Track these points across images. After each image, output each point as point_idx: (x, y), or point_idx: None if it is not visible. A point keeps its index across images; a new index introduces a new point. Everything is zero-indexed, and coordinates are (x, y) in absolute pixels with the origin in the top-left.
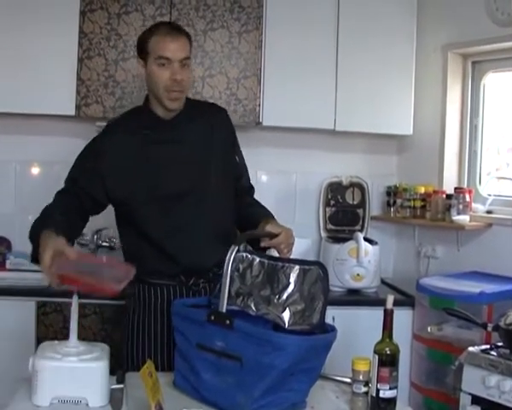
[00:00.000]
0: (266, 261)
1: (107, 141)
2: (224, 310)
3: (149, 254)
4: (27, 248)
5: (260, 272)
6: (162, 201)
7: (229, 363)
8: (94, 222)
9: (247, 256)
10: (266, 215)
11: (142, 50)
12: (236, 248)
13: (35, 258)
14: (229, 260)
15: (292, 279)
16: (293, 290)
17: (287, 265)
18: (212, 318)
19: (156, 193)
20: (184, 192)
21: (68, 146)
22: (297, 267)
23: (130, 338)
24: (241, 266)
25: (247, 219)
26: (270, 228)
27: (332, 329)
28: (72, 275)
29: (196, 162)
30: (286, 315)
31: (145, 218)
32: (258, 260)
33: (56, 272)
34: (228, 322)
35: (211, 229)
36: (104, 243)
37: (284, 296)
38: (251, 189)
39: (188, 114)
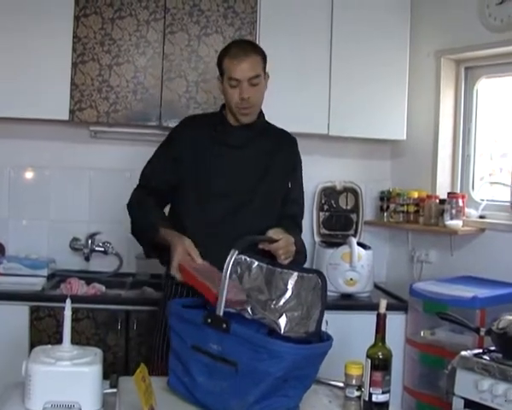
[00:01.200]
0: (265, 266)
1: (179, 130)
2: (222, 313)
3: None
4: (21, 252)
5: (258, 276)
6: (206, 198)
7: (225, 367)
8: (87, 227)
9: (245, 259)
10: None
11: (219, 69)
12: (236, 252)
13: (149, 251)
14: (229, 263)
15: (290, 286)
16: (290, 297)
17: (285, 271)
18: (209, 320)
19: (203, 189)
20: (228, 194)
21: (62, 150)
22: (295, 274)
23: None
24: (239, 269)
25: None
26: (271, 233)
27: (328, 337)
28: (193, 273)
29: (251, 172)
30: (282, 321)
31: (186, 210)
32: (256, 263)
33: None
34: (224, 326)
35: (238, 236)
36: (98, 248)
37: (281, 302)
38: (295, 217)
39: (259, 130)
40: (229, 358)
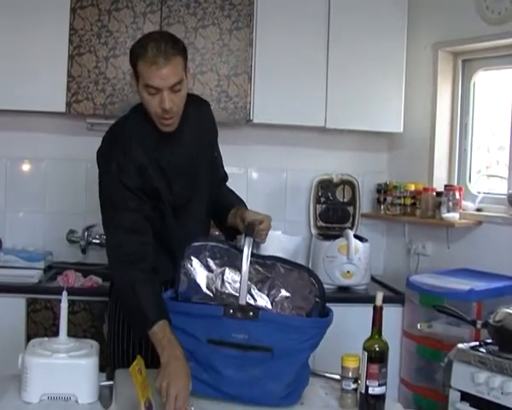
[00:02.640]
0: (228, 248)
1: (121, 154)
2: (244, 302)
3: (161, 261)
4: (17, 244)
5: (224, 259)
6: (175, 209)
7: (257, 354)
8: (84, 219)
9: (207, 245)
10: (238, 202)
11: (134, 68)
12: (252, 240)
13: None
14: (248, 251)
15: (270, 270)
16: (274, 282)
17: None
18: (231, 311)
19: (171, 202)
20: (188, 200)
21: (59, 143)
22: (272, 262)
23: (116, 334)
24: (206, 254)
25: (220, 205)
26: (252, 216)
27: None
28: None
29: (194, 167)
30: (273, 305)
31: (165, 225)
32: (222, 247)
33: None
34: (251, 314)
35: (203, 229)
36: (95, 240)
37: (265, 288)
38: (225, 176)
39: (183, 118)
40: (260, 344)
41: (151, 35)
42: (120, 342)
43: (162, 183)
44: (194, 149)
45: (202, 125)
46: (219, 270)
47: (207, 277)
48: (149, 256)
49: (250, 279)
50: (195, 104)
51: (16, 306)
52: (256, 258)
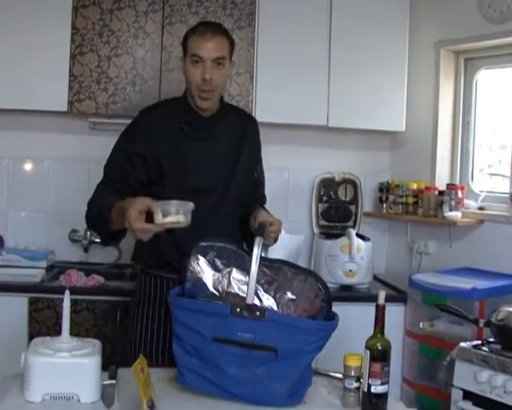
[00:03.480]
0: (236, 249)
1: (144, 121)
2: (252, 302)
3: (163, 242)
4: (20, 244)
5: (230, 259)
6: (186, 194)
7: (261, 354)
8: None
9: (215, 245)
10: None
11: (183, 48)
12: (262, 239)
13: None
14: (258, 251)
15: (275, 275)
16: (280, 284)
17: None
18: (238, 310)
19: (182, 186)
20: (208, 189)
21: (61, 142)
22: (279, 265)
23: (134, 330)
24: (211, 254)
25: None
26: (264, 217)
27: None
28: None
29: (224, 163)
30: (279, 307)
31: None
32: (230, 247)
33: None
34: (258, 313)
35: (222, 229)
36: (97, 240)
37: (272, 290)
38: (262, 198)
39: (224, 115)
40: (265, 344)
41: (204, 21)
42: (140, 340)
43: (173, 161)
44: (227, 150)
45: (245, 136)
46: (226, 270)
47: (214, 276)
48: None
49: (257, 281)
50: (240, 115)
51: (18, 305)
52: (263, 260)
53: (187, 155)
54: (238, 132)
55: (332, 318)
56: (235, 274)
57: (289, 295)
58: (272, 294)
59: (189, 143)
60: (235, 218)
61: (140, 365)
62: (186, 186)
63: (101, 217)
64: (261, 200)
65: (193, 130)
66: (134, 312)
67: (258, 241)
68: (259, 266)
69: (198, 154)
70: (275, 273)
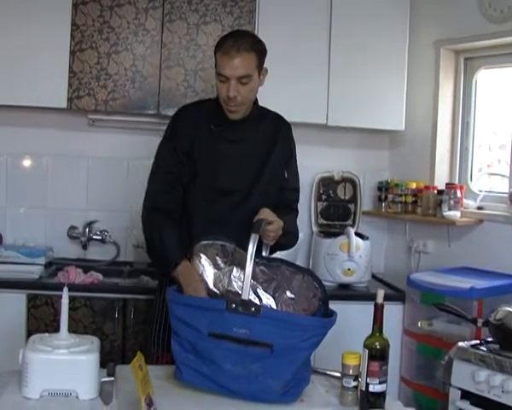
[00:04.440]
0: (234, 248)
1: (180, 123)
2: (247, 297)
3: (187, 238)
4: (18, 240)
5: (230, 258)
6: (212, 193)
7: (257, 350)
8: (85, 215)
9: (216, 244)
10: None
11: (215, 59)
12: (258, 236)
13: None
14: (253, 248)
15: (273, 273)
16: (279, 284)
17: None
18: (234, 306)
19: (209, 184)
20: (232, 190)
21: (60, 139)
22: (282, 266)
23: (153, 327)
24: (213, 252)
25: None
26: (263, 215)
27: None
28: None
29: (251, 165)
30: (278, 305)
31: (193, 203)
32: (228, 246)
33: None
34: (253, 309)
35: (245, 230)
36: (95, 237)
37: (270, 289)
38: (292, 203)
39: (255, 119)
40: (260, 340)
41: (236, 31)
42: (158, 336)
43: (203, 159)
44: (255, 153)
45: (275, 141)
46: (227, 268)
47: (215, 274)
48: (177, 213)
49: (256, 279)
50: (274, 120)
51: (17, 301)
52: (261, 259)
53: (217, 156)
54: (268, 136)
55: (331, 314)
56: (236, 273)
57: (288, 294)
58: (271, 293)
59: (219, 144)
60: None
61: (138, 362)
62: (214, 186)
63: (164, 266)
64: (292, 204)
65: (222, 131)
66: (154, 309)
67: (253, 238)
68: (258, 265)
69: (226, 155)
70: (273, 272)
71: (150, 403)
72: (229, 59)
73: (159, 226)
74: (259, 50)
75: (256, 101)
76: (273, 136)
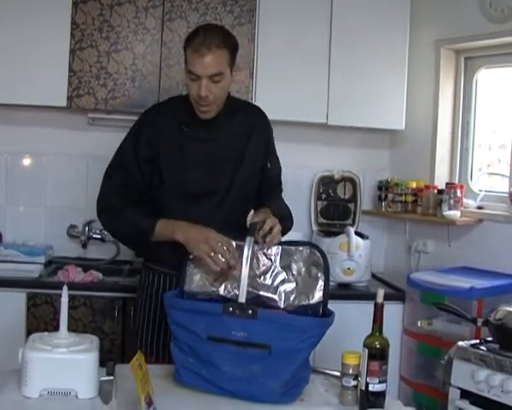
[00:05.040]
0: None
1: (146, 126)
2: (244, 300)
3: (165, 243)
4: (18, 239)
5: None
6: (188, 196)
7: (255, 352)
8: (85, 214)
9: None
10: (275, 206)
11: (184, 55)
12: (252, 239)
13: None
14: (248, 251)
15: (275, 259)
16: (279, 271)
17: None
18: (231, 309)
19: (184, 188)
20: (210, 192)
21: (60, 137)
22: (279, 248)
23: (140, 327)
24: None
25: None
26: (258, 218)
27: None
28: None
29: (226, 164)
30: (278, 296)
31: (169, 209)
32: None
33: None
34: (251, 312)
35: (226, 229)
36: (95, 235)
37: (270, 277)
38: (277, 188)
39: (228, 114)
40: (258, 342)
41: (206, 26)
42: (147, 335)
43: (174, 163)
44: (231, 149)
45: (251, 132)
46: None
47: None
48: (134, 208)
49: (253, 271)
50: (249, 111)
51: (16, 300)
52: (259, 247)
53: (189, 160)
54: (243, 129)
55: (329, 314)
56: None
57: (288, 284)
58: (270, 283)
59: (190, 145)
60: (240, 216)
61: (138, 361)
62: (185, 190)
63: (141, 238)
64: (275, 189)
65: (194, 132)
66: (137, 307)
67: (248, 241)
68: (256, 253)
69: (198, 156)
70: (273, 259)
71: (150, 402)
72: (200, 56)
73: (118, 214)
74: (231, 46)
75: (228, 94)
76: (248, 127)
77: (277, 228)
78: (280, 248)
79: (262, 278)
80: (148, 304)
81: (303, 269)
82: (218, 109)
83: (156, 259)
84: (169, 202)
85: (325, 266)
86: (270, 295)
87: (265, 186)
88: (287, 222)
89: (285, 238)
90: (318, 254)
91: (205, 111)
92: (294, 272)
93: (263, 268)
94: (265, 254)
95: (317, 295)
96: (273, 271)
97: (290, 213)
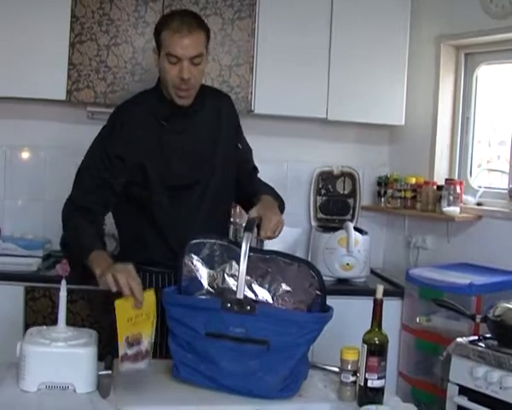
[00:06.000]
0: (226, 244)
1: (119, 125)
2: (242, 296)
3: (152, 241)
4: (16, 232)
5: (224, 256)
6: (173, 190)
7: (253, 348)
8: None
9: (208, 242)
10: (267, 191)
11: (156, 40)
12: (250, 234)
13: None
14: (246, 247)
15: (269, 267)
16: (274, 277)
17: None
18: (229, 305)
19: (168, 182)
20: (193, 182)
21: (59, 131)
22: (277, 258)
23: None
24: (202, 251)
25: (246, 194)
26: (256, 212)
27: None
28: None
29: (205, 152)
30: (270, 298)
31: (156, 205)
32: (216, 242)
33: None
34: (249, 307)
35: (212, 217)
36: None
37: (266, 283)
38: (254, 169)
39: (198, 102)
40: (257, 338)
41: (179, 10)
42: None
43: (156, 159)
44: (206, 136)
45: (220, 117)
46: (220, 267)
47: (209, 274)
48: (99, 216)
49: (250, 274)
50: (214, 96)
51: (15, 294)
52: (255, 252)
53: (168, 151)
54: (214, 116)
55: (327, 309)
56: (229, 270)
57: (284, 286)
58: (267, 286)
59: (169, 138)
60: (225, 204)
61: (130, 302)
62: (171, 184)
63: (79, 254)
64: (253, 172)
65: (172, 124)
66: None
67: (246, 236)
68: (252, 260)
69: (179, 149)
70: (268, 265)
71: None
72: (181, 38)
73: (74, 223)
74: (207, 30)
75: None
76: (217, 111)
77: (280, 221)
78: (274, 256)
79: (259, 281)
80: None
81: (297, 279)
82: (194, 96)
83: (149, 263)
84: (155, 198)
85: (319, 282)
86: (265, 298)
87: (242, 169)
88: (281, 204)
89: (287, 233)
90: (313, 273)
91: (184, 96)
92: (290, 280)
93: (260, 271)
94: (263, 260)
95: (314, 295)
96: (270, 275)
97: (280, 198)
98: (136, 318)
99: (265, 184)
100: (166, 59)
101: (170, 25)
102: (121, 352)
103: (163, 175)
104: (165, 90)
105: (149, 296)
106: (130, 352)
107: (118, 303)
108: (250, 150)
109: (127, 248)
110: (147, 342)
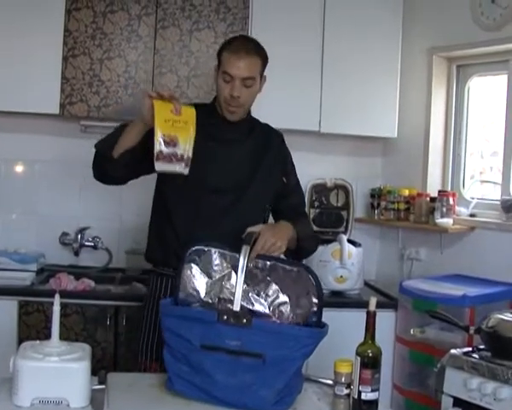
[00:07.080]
0: (228, 254)
1: None
2: (238, 309)
3: (171, 241)
4: (10, 246)
5: (223, 264)
6: (198, 193)
7: (249, 361)
8: (77, 222)
9: (208, 250)
10: (293, 222)
11: (218, 59)
12: (248, 247)
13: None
14: (244, 260)
15: (270, 276)
16: (275, 288)
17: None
18: (225, 318)
19: (195, 184)
20: (220, 190)
21: (52, 145)
22: (274, 263)
23: (145, 332)
24: (197, 258)
25: None
26: (258, 228)
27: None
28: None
29: (243, 167)
30: (272, 313)
31: (176, 204)
32: (216, 251)
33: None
34: (245, 321)
35: (233, 233)
36: (87, 243)
37: (265, 294)
38: (298, 207)
39: (249, 125)
40: (252, 351)
41: (241, 36)
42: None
43: (194, 162)
44: (244, 154)
45: (265, 149)
46: (218, 276)
47: (207, 283)
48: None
49: (248, 284)
50: (264, 130)
51: (8, 308)
52: (257, 258)
53: (208, 156)
54: (259, 146)
55: (322, 326)
56: (227, 280)
57: (282, 297)
58: (264, 296)
59: (211, 144)
60: (253, 222)
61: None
62: (204, 186)
63: (112, 138)
64: (297, 208)
65: (215, 131)
66: (143, 317)
67: (244, 249)
68: (250, 269)
69: (219, 155)
70: (267, 273)
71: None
72: (238, 59)
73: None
74: (264, 57)
75: (249, 111)
76: (264, 146)
77: (278, 245)
78: (273, 262)
79: (256, 291)
80: (156, 309)
81: (296, 287)
82: (243, 115)
83: (165, 263)
84: (177, 200)
85: (317, 287)
86: (262, 309)
87: (286, 206)
88: (311, 240)
89: None
90: (311, 277)
91: (233, 111)
92: (289, 289)
93: (257, 280)
94: (262, 269)
95: (311, 308)
96: (268, 284)
97: (315, 234)
98: (174, 122)
99: (303, 222)
100: (222, 77)
101: (230, 46)
102: (156, 149)
103: (198, 177)
104: (217, 103)
105: (189, 109)
106: (165, 151)
107: (157, 102)
108: (301, 193)
109: (152, 247)
110: (183, 148)
